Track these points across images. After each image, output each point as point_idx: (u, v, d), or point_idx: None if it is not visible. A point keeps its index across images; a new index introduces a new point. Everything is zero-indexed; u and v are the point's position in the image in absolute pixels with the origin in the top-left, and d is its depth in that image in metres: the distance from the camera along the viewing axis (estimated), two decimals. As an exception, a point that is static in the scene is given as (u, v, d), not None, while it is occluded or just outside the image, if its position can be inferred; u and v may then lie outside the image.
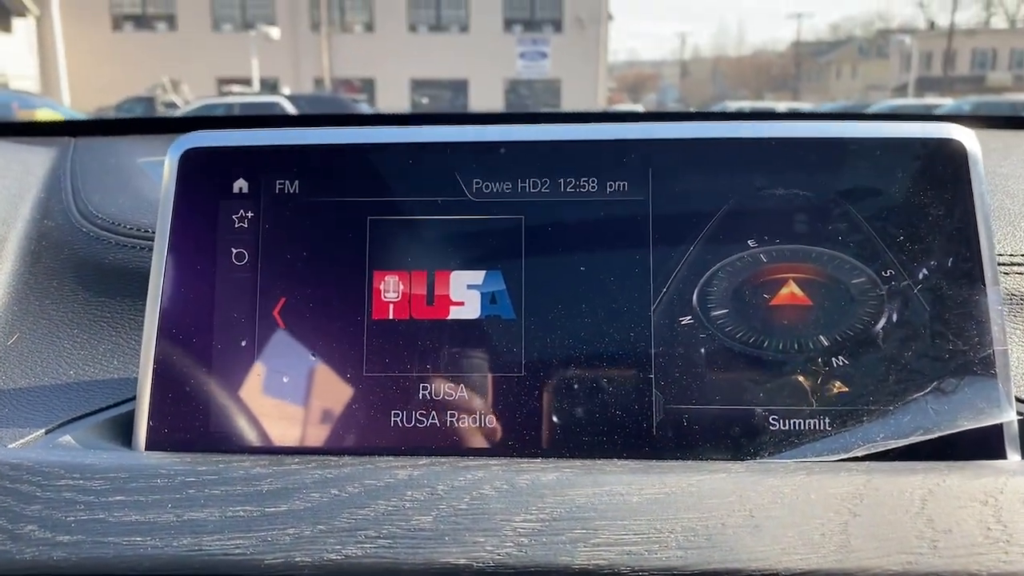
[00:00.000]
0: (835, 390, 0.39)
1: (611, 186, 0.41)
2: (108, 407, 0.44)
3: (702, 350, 0.40)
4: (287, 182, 0.42)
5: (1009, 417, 0.38)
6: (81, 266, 0.54)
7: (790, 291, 0.40)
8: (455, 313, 0.41)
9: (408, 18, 22.58)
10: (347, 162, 0.42)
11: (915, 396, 0.39)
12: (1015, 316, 0.49)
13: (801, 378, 0.40)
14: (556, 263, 0.41)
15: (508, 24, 22.96)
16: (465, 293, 0.41)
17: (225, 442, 0.40)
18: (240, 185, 0.42)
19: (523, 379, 0.40)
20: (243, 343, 0.41)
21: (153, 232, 0.42)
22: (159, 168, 0.43)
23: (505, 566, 0.33)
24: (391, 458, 0.37)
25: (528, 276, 0.41)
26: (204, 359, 0.41)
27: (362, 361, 0.41)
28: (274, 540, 0.33)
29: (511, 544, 0.33)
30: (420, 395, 0.41)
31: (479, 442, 0.40)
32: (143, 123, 0.85)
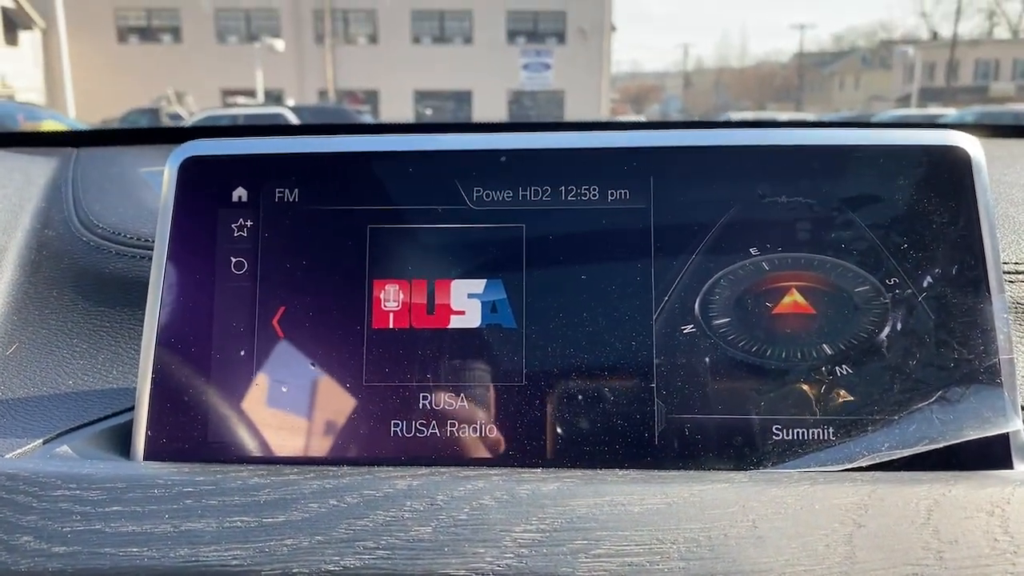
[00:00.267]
0: (839, 399, 0.39)
1: (612, 194, 0.41)
2: (106, 417, 0.44)
3: (704, 359, 0.40)
4: (287, 191, 0.42)
5: (1015, 426, 0.38)
6: (81, 275, 0.54)
7: (793, 300, 0.40)
8: (455, 322, 0.41)
9: (412, 30, 22.68)
10: (347, 170, 0.42)
11: (920, 405, 0.38)
12: (1021, 324, 0.48)
13: (804, 387, 0.39)
14: (557, 272, 0.41)
15: (511, 35, 23.05)
16: (466, 302, 0.41)
17: (224, 452, 0.40)
18: (239, 194, 0.42)
19: (524, 388, 0.40)
20: (242, 352, 0.41)
21: (153, 241, 0.41)
22: (160, 178, 0.43)
23: None
24: (390, 468, 0.37)
25: (529, 285, 0.41)
26: (203, 368, 0.41)
27: (362, 370, 0.40)
28: (272, 551, 0.33)
29: (511, 555, 0.33)
30: (420, 405, 0.40)
31: (480, 452, 0.40)
32: (145, 133, 0.86)
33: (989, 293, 0.39)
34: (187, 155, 0.42)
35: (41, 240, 0.58)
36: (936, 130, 0.41)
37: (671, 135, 0.42)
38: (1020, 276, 0.50)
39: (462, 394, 0.40)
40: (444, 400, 0.40)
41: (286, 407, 0.40)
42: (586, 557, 0.32)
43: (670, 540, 0.33)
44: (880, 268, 0.40)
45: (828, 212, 0.40)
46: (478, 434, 0.40)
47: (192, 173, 0.42)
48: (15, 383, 0.47)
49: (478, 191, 0.41)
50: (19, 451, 0.40)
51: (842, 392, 0.39)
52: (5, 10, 18.07)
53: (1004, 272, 0.49)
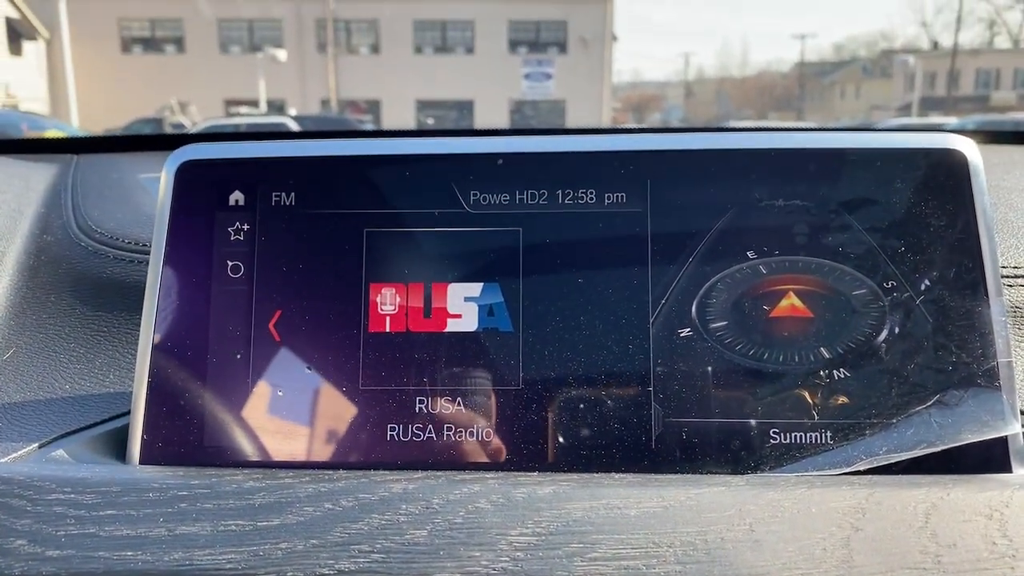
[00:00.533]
0: (837, 403, 0.39)
1: (609, 198, 0.41)
2: (103, 421, 0.43)
3: (701, 363, 0.40)
4: (283, 194, 0.42)
5: (1014, 430, 0.37)
6: (79, 280, 0.54)
7: (790, 303, 0.40)
8: (452, 326, 0.41)
9: (414, 40, 22.75)
10: (343, 174, 0.42)
11: (918, 409, 0.38)
12: (1020, 328, 0.48)
13: (802, 391, 0.39)
14: (554, 275, 0.41)
15: (513, 45, 23.12)
16: (462, 306, 0.41)
17: (220, 456, 0.40)
18: (236, 197, 0.42)
19: (521, 392, 0.40)
20: (238, 356, 0.41)
21: (150, 246, 0.41)
22: (158, 184, 0.43)
23: None
24: (386, 472, 0.37)
25: (526, 288, 0.41)
26: (199, 372, 0.41)
27: (358, 374, 0.40)
28: (266, 555, 0.33)
29: (507, 558, 0.32)
30: (417, 409, 0.40)
31: (476, 456, 0.40)
32: (144, 140, 0.86)
33: (987, 296, 0.39)
34: (184, 159, 0.42)
35: (40, 245, 0.58)
36: (933, 133, 0.41)
37: (668, 139, 0.42)
38: (1019, 280, 0.50)
39: (459, 398, 0.40)
40: (441, 404, 0.40)
41: (282, 411, 0.40)
42: (582, 561, 0.32)
43: (666, 544, 0.33)
44: (877, 272, 0.40)
45: (825, 216, 0.40)
46: (475, 438, 0.40)
47: (189, 177, 0.42)
48: (12, 388, 0.47)
49: (475, 195, 0.41)
50: (14, 455, 0.40)
51: (840, 396, 0.39)
52: (9, 20, 18.15)
53: (1003, 276, 0.49)
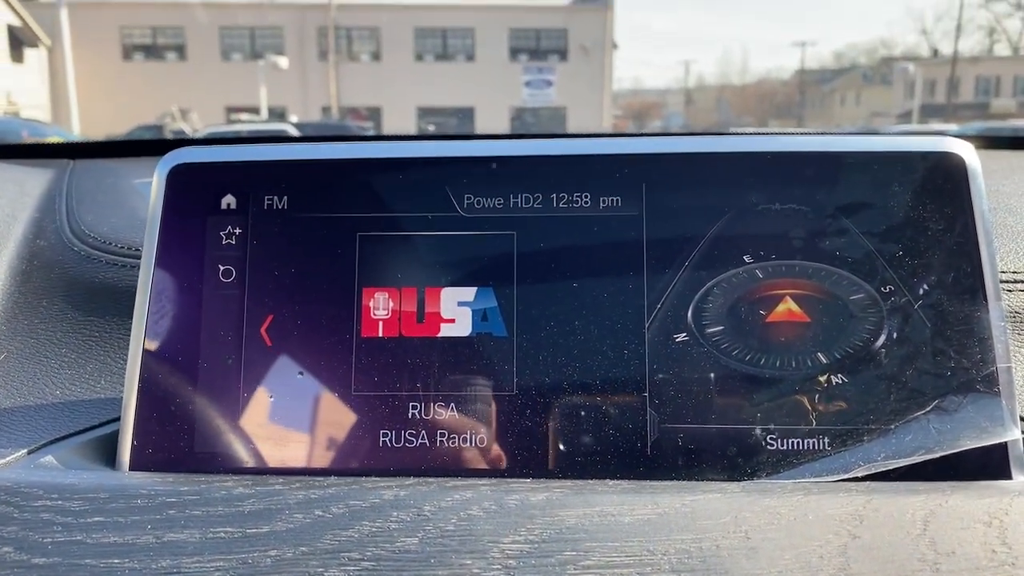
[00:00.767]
0: (834, 409, 0.38)
1: (604, 201, 0.41)
2: (93, 427, 0.43)
3: (698, 368, 0.39)
4: (275, 198, 0.41)
5: (1014, 436, 0.37)
6: (72, 285, 0.54)
7: (787, 307, 0.40)
8: (446, 331, 0.40)
9: (415, 47, 22.80)
10: (336, 177, 0.41)
11: (916, 415, 0.38)
12: (1019, 334, 0.48)
13: (799, 396, 0.39)
14: (549, 280, 0.40)
15: (514, 53, 23.17)
16: (456, 310, 0.40)
17: (210, 462, 0.39)
18: (228, 201, 0.41)
19: (515, 398, 0.39)
20: (230, 361, 0.40)
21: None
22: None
23: None
24: (377, 478, 0.36)
25: (520, 293, 0.40)
26: (190, 378, 0.40)
27: (350, 380, 0.40)
28: (255, 562, 0.32)
29: (499, 566, 0.32)
30: (409, 415, 0.40)
31: (470, 463, 0.39)
32: (141, 145, 0.85)
33: (986, 301, 0.39)
34: (176, 162, 0.42)
35: (33, 250, 0.57)
36: (931, 137, 0.41)
37: (663, 142, 0.42)
38: (1019, 285, 0.49)
39: (452, 404, 0.40)
40: (434, 410, 0.40)
41: (274, 417, 0.40)
42: (575, 568, 0.32)
43: (660, 551, 0.32)
44: (875, 276, 0.39)
45: (822, 219, 0.40)
46: (468, 445, 0.39)
47: (180, 180, 0.42)
48: (1, 393, 0.47)
49: (469, 198, 0.41)
50: (2, 461, 0.39)
51: (837, 401, 0.38)
52: (11, 28, 18.20)
53: (1002, 281, 0.48)
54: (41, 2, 20.46)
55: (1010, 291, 0.49)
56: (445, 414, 0.40)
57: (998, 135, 0.87)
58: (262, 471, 0.39)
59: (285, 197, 0.41)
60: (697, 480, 0.38)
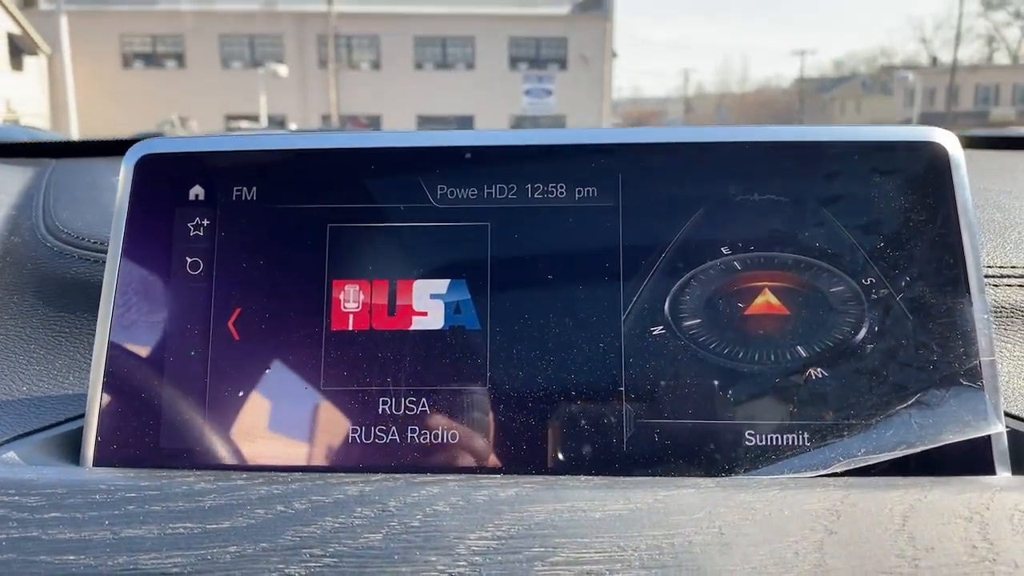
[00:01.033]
0: (814, 403, 0.37)
1: (580, 192, 0.40)
2: (59, 423, 0.42)
3: (674, 362, 0.38)
4: (244, 189, 0.41)
5: (996, 430, 0.36)
6: (43, 281, 0.53)
7: (766, 300, 0.39)
8: (417, 324, 0.39)
9: (415, 56, 22.86)
10: (307, 168, 0.41)
11: (898, 409, 0.37)
12: (1005, 329, 0.47)
13: (778, 391, 0.38)
14: (523, 272, 0.39)
15: (513, 61, 23.22)
16: (428, 303, 0.40)
17: (176, 458, 0.38)
18: (196, 192, 0.41)
19: (488, 392, 0.39)
20: (196, 355, 0.39)
21: None
22: None
23: None
24: (343, 474, 0.35)
25: (494, 285, 0.39)
26: (155, 372, 0.39)
27: (320, 374, 0.39)
28: (214, 558, 0.31)
29: (464, 563, 0.31)
30: (380, 410, 0.39)
31: (441, 459, 0.38)
32: (123, 144, 0.84)
33: (969, 293, 0.38)
34: (142, 153, 0.41)
35: (7, 247, 0.57)
36: (914, 127, 0.40)
37: (640, 132, 0.41)
38: (1004, 280, 0.48)
39: (423, 399, 0.39)
40: (405, 405, 0.39)
41: (241, 412, 0.39)
42: (543, 565, 0.31)
43: (631, 547, 0.31)
44: (856, 268, 0.38)
45: (802, 210, 0.39)
46: (440, 440, 0.38)
47: (147, 171, 0.41)
48: None
49: (442, 189, 0.40)
50: None
51: (817, 396, 0.37)
52: (11, 36, 18.24)
53: (988, 276, 0.47)
54: (41, 10, 20.52)
55: (996, 286, 0.48)
56: (416, 409, 0.39)
57: (988, 135, 0.86)
58: (229, 467, 0.38)
59: (254, 188, 0.41)
60: (673, 476, 0.37)
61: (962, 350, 0.37)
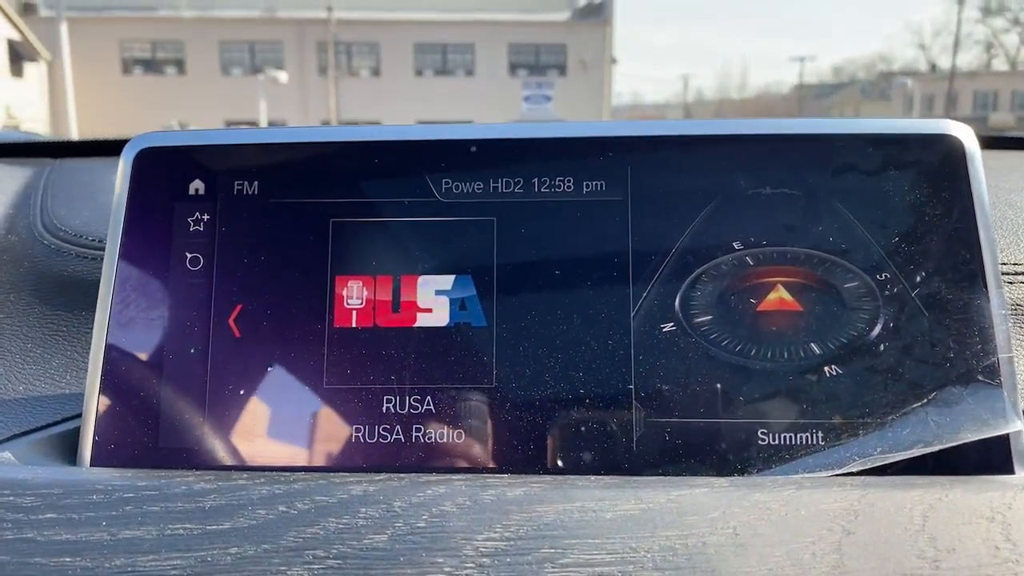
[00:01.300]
0: (828, 401, 0.37)
1: (588, 186, 0.39)
2: (56, 423, 0.41)
3: (685, 359, 0.37)
4: (245, 183, 0.40)
5: (1016, 428, 0.35)
6: (40, 279, 0.52)
7: (779, 296, 0.38)
8: (422, 320, 0.39)
9: (414, 62, 22.88)
10: (309, 162, 0.40)
11: (914, 407, 0.36)
12: (1021, 327, 0.46)
13: (791, 389, 0.37)
14: (530, 267, 0.39)
15: (513, 68, 23.25)
16: (433, 299, 0.39)
17: (175, 458, 0.38)
18: (196, 186, 0.40)
19: (494, 390, 0.38)
20: (196, 353, 0.38)
21: None
22: None
23: None
24: (346, 474, 0.34)
25: (500, 281, 0.39)
26: (154, 370, 0.38)
27: (322, 372, 0.38)
28: (215, 560, 0.31)
29: (471, 565, 0.30)
30: (384, 408, 0.38)
31: (446, 458, 0.37)
32: (123, 144, 0.83)
33: (986, 288, 0.37)
34: (141, 146, 0.40)
35: (3, 244, 0.56)
36: (928, 119, 0.39)
37: (649, 125, 0.40)
38: (1020, 277, 0.48)
39: (428, 397, 0.38)
40: (409, 403, 0.38)
41: (241, 410, 0.38)
42: (552, 567, 0.30)
43: (644, 548, 0.30)
44: (870, 263, 0.38)
45: (815, 204, 0.38)
46: (445, 439, 0.37)
47: (146, 165, 0.40)
48: None
49: (447, 183, 0.39)
50: None
51: (831, 394, 0.37)
52: (11, 42, 18.26)
53: (1003, 273, 0.47)
54: (41, 16, 20.54)
55: (1011, 283, 0.47)
56: (421, 408, 0.38)
57: (995, 135, 0.86)
58: (229, 467, 0.37)
59: (256, 182, 0.40)
60: (685, 476, 0.36)
61: (979, 347, 0.36)
